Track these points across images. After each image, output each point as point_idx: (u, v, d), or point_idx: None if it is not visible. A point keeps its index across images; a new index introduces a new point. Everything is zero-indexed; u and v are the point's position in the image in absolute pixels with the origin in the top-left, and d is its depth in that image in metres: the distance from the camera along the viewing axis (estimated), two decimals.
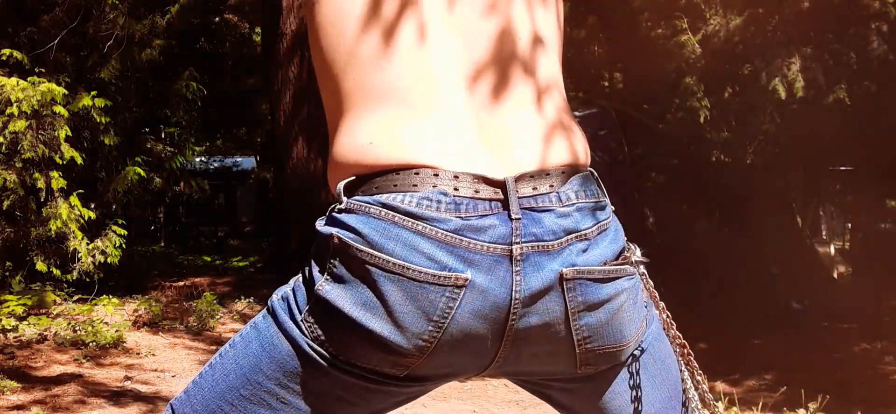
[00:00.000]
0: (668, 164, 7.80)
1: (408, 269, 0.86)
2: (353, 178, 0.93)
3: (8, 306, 5.63)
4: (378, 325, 0.87)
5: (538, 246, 0.89)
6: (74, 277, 6.47)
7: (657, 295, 1.06)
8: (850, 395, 4.37)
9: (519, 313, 0.89)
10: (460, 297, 0.87)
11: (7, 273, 6.53)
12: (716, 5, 6.14)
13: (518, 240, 0.88)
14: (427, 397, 4.24)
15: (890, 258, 8.09)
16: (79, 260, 6.42)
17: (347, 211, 0.90)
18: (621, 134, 7.80)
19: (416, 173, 0.89)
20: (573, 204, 0.92)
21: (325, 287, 0.90)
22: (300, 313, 0.93)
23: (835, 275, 9.69)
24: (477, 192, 0.89)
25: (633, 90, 10.65)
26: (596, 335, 0.93)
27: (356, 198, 0.91)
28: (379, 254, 0.87)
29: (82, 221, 6.39)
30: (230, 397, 0.95)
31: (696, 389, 1.06)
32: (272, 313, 0.96)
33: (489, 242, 0.87)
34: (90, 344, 5.25)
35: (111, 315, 6.00)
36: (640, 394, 1.01)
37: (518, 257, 0.88)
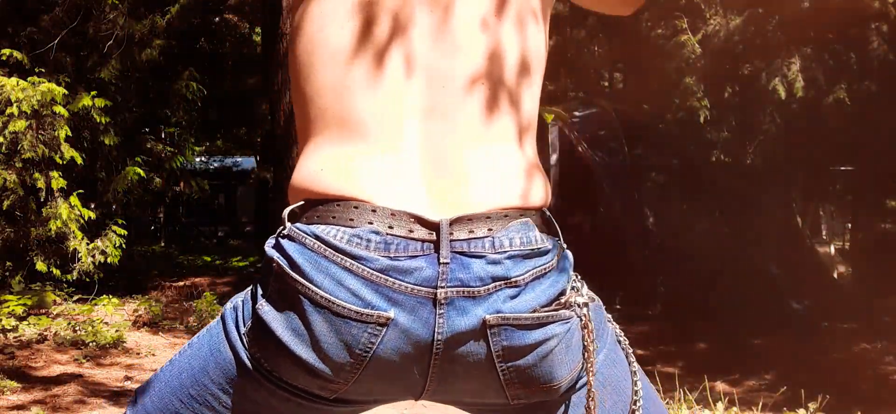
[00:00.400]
0: (668, 164, 7.80)
1: (333, 303, 0.89)
2: (303, 202, 0.96)
3: (8, 306, 5.63)
4: (304, 352, 0.91)
5: (464, 291, 0.90)
6: (74, 277, 6.47)
7: (606, 315, 1.06)
8: (850, 395, 4.37)
9: (441, 354, 0.91)
10: (382, 334, 0.89)
11: (7, 273, 6.54)
12: (716, 5, 6.14)
13: (443, 284, 0.89)
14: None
15: (890, 258, 8.09)
16: (79, 260, 6.42)
17: (288, 238, 0.93)
18: (621, 134, 7.79)
19: (356, 207, 0.92)
20: (505, 251, 0.91)
21: (264, 308, 0.93)
22: (244, 326, 0.97)
23: (835, 275, 9.68)
24: (411, 232, 0.90)
25: (633, 90, 10.65)
26: (523, 376, 0.94)
27: (297, 225, 0.94)
28: (309, 285, 0.90)
29: (82, 220, 6.39)
30: (180, 395, 1.00)
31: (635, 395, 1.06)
32: (223, 321, 1.00)
33: (414, 284, 0.89)
34: (90, 344, 5.25)
35: (111, 315, 6.00)
36: None
37: (442, 301, 0.89)
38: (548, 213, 1.00)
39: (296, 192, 0.98)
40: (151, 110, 8.88)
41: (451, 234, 0.90)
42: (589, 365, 0.98)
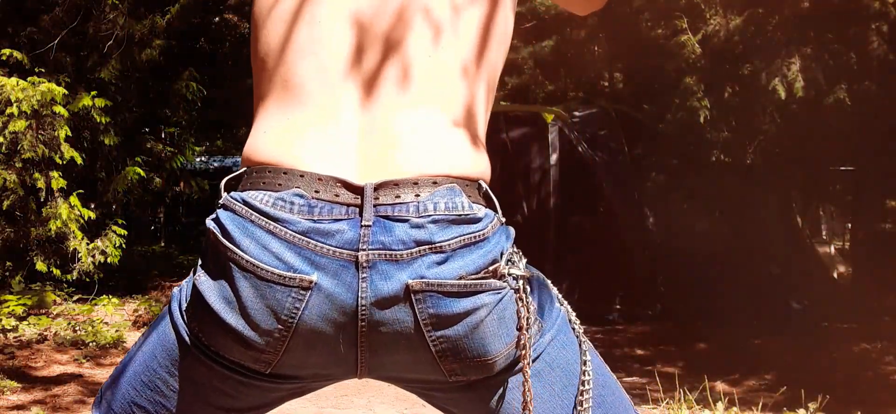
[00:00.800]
0: (668, 164, 7.80)
1: (258, 267, 0.89)
2: (243, 171, 0.98)
3: (8, 306, 5.63)
4: (234, 319, 0.90)
5: (385, 254, 0.89)
6: (74, 277, 6.47)
7: (557, 295, 1.04)
8: (850, 395, 4.37)
9: (368, 320, 0.90)
10: (306, 298, 0.89)
11: (7, 273, 6.54)
12: (716, 5, 6.14)
13: (364, 247, 0.89)
14: None
15: (890, 258, 8.08)
16: (79, 260, 6.42)
17: (223, 207, 0.94)
18: (621, 134, 7.79)
19: (285, 173, 0.93)
20: (429, 215, 0.90)
21: (200, 278, 0.93)
22: (185, 302, 0.97)
23: (835, 275, 9.68)
24: (336, 196, 0.91)
25: (633, 90, 10.65)
26: (455, 348, 0.92)
27: (232, 194, 0.95)
28: (236, 250, 0.90)
29: (82, 221, 6.39)
30: (134, 382, 1.00)
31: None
32: (169, 302, 1.00)
33: (335, 247, 0.89)
34: (90, 344, 5.25)
35: (111, 315, 6.00)
36: (530, 402, 0.97)
37: (364, 264, 0.89)
38: (485, 185, 0.98)
39: (242, 162, 1.01)
40: (151, 110, 8.88)
41: (377, 198, 0.90)
42: (522, 340, 0.95)
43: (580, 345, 1.03)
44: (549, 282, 1.04)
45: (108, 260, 6.54)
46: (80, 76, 7.23)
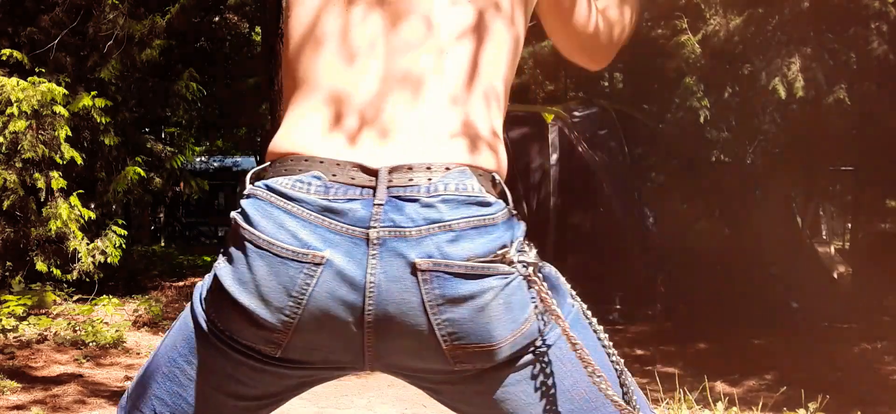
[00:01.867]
0: (668, 164, 7.79)
1: (273, 244, 0.93)
2: (268, 163, 1.02)
3: (8, 306, 5.63)
4: (246, 298, 0.94)
5: (396, 232, 0.92)
6: (74, 277, 6.47)
7: (570, 290, 1.05)
8: (850, 395, 4.37)
9: (375, 298, 0.93)
10: (318, 274, 0.92)
11: (7, 273, 6.54)
12: (716, 5, 6.13)
13: (375, 224, 0.92)
14: (427, 398, 4.24)
15: (890, 258, 8.08)
16: (79, 260, 6.42)
17: (247, 196, 0.99)
18: (621, 134, 7.79)
19: (306, 160, 0.97)
20: (439, 195, 0.93)
21: (220, 265, 0.98)
22: (205, 292, 1.02)
23: (835, 275, 9.68)
24: (352, 178, 0.95)
25: (633, 90, 10.64)
26: (460, 332, 0.94)
27: (256, 183, 1.00)
28: (254, 230, 0.94)
29: (82, 221, 6.39)
30: (156, 374, 1.05)
31: (621, 386, 1.04)
32: (191, 297, 1.04)
33: (348, 224, 0.93)
34: (90, 344, 5.25)
35: (111, 315, 6.00)
36: (536, 397, 0.99)
37: (375, 241, 0.92)
38: (499, 179, 1.00)
39: (267, 155, 1.03)
40: (151, 110, 8.88)
41: (390, 180, 0.94)
42: (555, 316, 0.97)
43: (598, 336, 1.04)
44: (562, 278, 1.05)
45: (108, 260, 6.54)
46: (80, 76, 7.23)
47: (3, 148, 6.08)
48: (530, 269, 0.96)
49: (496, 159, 1.02)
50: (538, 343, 0.99)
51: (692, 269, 7.15)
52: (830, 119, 5.91)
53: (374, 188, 0.94)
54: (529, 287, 0.97)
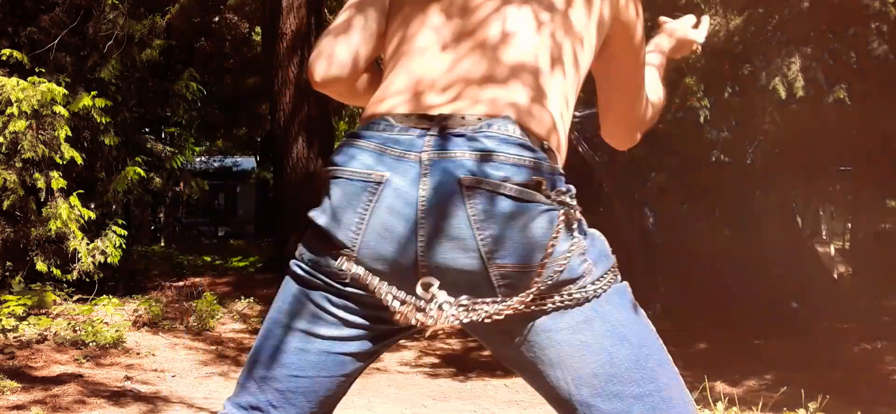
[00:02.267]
0: (668, 164, 7.79)
1: (345, 171, 1.12)
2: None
3: (8, 306, 5.63)
4: (324, 220, 1.13)
5: (444, 154, 1.08)
6: (74, 277, 6.47)
7: (615, 266, 1.16)
8: (850, 395, 4.37)
9: (425, 210, 1.07)
10: (379, 192, 1.09)
11: (7, 273, 6.53)
12: (716, 5, 6.13)
13: (427, 149, 1.08)
14: (427, 398, 4.25)
15: (890, 258, 8.09)
16: (79, 260, 6.42)
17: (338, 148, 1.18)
18: None
19: (381, 113, 1.16)
20: (484, 132, 1.08)
21: (313, 210, 1.16)
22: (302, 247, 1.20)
23: (835, 275, 9.68)
24: (415, 123, 1.12)
25: None
26: (500, 247, 1.05)
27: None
28: (335, 167, 1.14)
29: (82, 221, 6.39)
30: (268, 327, 1.21)
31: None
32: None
33: (404, 150, 1.10)
34: (90, 344, 5.25)
35: (111, 315, 5.99)
36: (574, 350, 1.08)
37: (426, 162, 1.08)
38: (547, 144, 1.12)
39: (361, 119, 1.22)
40: (151, 110, 8.88)
41: (445, 121, 1.10)
42: (585, 263, 1.09)
43: (635, 308, 1.15)
44: (610, 251, 1.16)
45: (108, 260, 6.53)
46: (80, 76, 7.23)
47: (3, 148, 6.08)
48: (569, 209, 1.09)
49: (551, 132, 1.14)
50: (582, 286, 1.09)
51: (692, 269, 7.15)
52: (830, 119, 5.91)
53: (431, 125, 1.10)
54: (568, 228, 1.08)
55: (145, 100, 8.40)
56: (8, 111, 5.95)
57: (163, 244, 15.03)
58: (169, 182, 8.59)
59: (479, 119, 1.10)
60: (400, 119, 1.13)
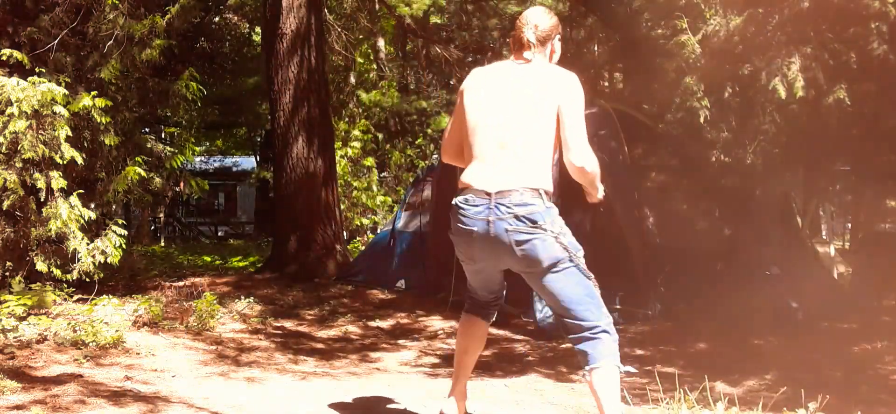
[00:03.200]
0: (668, 164, 7.77)
1: (459, 227, 3.10)
2: (460, 189, 3.09)
3: (8, 306, 5.63)
4: (457, 242, 3.17)
5: (497, 215, 2.97)
6: (74, 277, 6.47)
7: (582, 257, 3.10)
8: (850, 395, 4.37)
9: (492, 239, 3.00)
10: (472, 237, 3.05)
11: (7, 273, 6.53)
12: (716, 5, 6.12)
13: (490, 216, 2.99)
14: (427, 397, 4.25)
15: (890, 258, 8.08)
16: (79, 260, 6.42)
17: (455, 203, 3.13)
18: (621, 134, 7.77)
19: (464, 188, 3.10)
20: (516, 203, 2.97)
21: (451, 235, 3.20)
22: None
23: (835, 275, 9.68)
24: (483, 196, 3.03)
25: (633, 90, 10.64)
26: (525, 255, 2.97)
27: (457, 198, 3.12)
28: (452, 224, 3.14)
29: (82, 220, 6.38)
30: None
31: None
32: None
33: (478, 216, 3.03)
34: (90, 344, 5.25)
35: (111, 315, 5.99)
36: (560, 286, 3.03)
37: (491, 220, 2.99)
38: (542, 190, 3.02)
39: (459, 185, 3.09)
40: (151, 110, 8.88)
41: (497, 196, 2.98)
42: (569, 256, 3.03)
43: (587, 277, 3.10)
44: (581, 252, 3.07)
45: (109, 260, 6.53)
46: (80, 76, 7.23)
47: (3, 148, 6.08)
48: (556, 234, 2.97)
49: (543, 180, 3.02)
50: (562, 263, 3.00)
51: (692, 269, 7.15)
52: (830, 119, 5.91)
53: (490, 199, 2.98)
54: (556, 240, 2.98)
55: (145, 100, 8.40)
56: (8, 111, 5.94)
57: (163, 244, 15.00)
58: (169, 182, 8.59)
59: (512, 194, 2.95)
60: (475, 193, 3.03)
